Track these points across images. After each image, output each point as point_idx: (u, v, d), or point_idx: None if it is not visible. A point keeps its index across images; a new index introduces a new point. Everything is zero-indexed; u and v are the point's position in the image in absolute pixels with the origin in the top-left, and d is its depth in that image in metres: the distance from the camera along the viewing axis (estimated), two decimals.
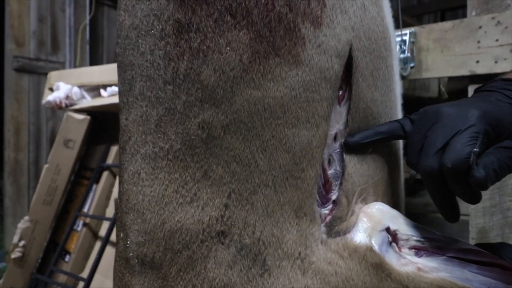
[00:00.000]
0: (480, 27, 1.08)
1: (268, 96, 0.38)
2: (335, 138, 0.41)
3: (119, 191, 0.44)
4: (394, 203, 0.45)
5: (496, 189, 1.07)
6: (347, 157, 0.40)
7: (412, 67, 1.14)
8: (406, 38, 1.13)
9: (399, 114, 0.46)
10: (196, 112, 0.38)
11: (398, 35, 1.16)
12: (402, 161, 0.46)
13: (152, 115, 0.40)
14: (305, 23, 0.38)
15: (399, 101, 0.46)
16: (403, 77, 1.16)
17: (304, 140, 0.39)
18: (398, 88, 0.46)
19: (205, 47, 0.38)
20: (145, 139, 0.40)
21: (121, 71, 0.43)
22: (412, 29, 1.16)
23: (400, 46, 1.13)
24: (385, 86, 0.43)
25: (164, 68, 0.39)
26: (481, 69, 1.05)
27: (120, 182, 0.44)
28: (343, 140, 0.41)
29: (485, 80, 1.07)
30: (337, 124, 0.41)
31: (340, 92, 0.41)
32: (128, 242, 0.41)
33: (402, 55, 1.13)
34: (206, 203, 0.39)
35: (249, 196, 0.38)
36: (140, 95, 0.41)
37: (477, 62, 1.06)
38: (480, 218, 1.07)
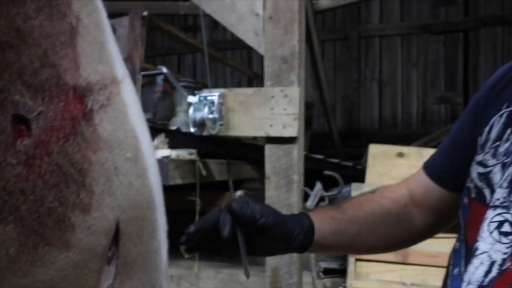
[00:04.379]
0: (273, 96, 1.31)
1: (37, 281, 0.43)
2: None
3: None
4: None
5: None
6: None
7: (221, 125, 1.30)
8: (215, 98, 1.28)
9: (165, 259, 0.57)
10: None
11: (207, 95, 1.30)
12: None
13: None
14: (75, 212, 0.45)
15: (164, 246, 0.57)
16: (213, 135, 1.31)
17: None
18: (163, 233, 0.56)
19: None
20: None
21: None
22: (222, 90, 1.31)
23: (209, 107, 1.28)
24: (150, 238, 0.53)
25: None
26: (273, 132, 1.28)
27: None
28: None
29: (278, 141, 1.33)
30: (106, 282, 0.49)
31: (110, 254, 0.49)
32: None
33: (211, 116, 1.27)
34: None
35: None
36: None
37: (271, 126, 1.28)
38: (273, 259, 1.36)
